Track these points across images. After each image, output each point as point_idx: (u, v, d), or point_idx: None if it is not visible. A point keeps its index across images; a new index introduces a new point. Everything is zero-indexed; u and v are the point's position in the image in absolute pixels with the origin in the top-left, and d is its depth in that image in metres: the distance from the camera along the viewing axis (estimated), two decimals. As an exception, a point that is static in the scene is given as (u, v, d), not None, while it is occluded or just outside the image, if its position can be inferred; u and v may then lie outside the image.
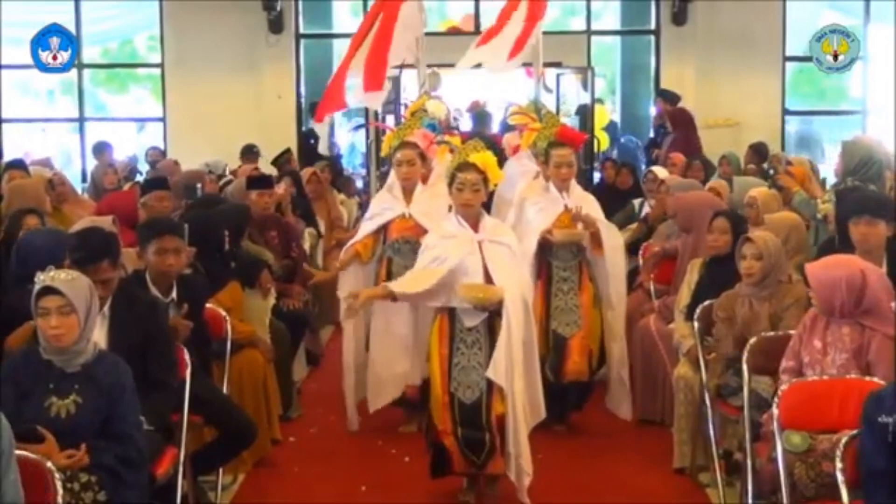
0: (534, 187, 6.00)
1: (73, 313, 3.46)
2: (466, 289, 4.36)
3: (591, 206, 5.72)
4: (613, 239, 5.73)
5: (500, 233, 4.58)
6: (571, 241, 5.58)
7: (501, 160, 7.37)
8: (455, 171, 4.48)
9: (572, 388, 5.58)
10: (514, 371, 4.34)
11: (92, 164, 10.82)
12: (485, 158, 4.48)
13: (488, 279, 4.42)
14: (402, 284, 4.63)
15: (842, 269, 3.96)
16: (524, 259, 5.31)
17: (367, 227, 5.76)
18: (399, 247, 5.57)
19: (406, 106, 6.42)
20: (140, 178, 9.17)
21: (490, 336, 4.43)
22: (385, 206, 5.69)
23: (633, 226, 7.39)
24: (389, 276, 5.39)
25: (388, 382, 5.55)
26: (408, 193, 5.63)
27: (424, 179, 5.72)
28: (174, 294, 4.59)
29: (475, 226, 4.51)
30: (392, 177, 5.79)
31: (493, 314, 4.41)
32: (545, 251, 5.60)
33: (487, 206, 6.66)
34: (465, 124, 10.51)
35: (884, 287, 3.98)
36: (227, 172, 9.36)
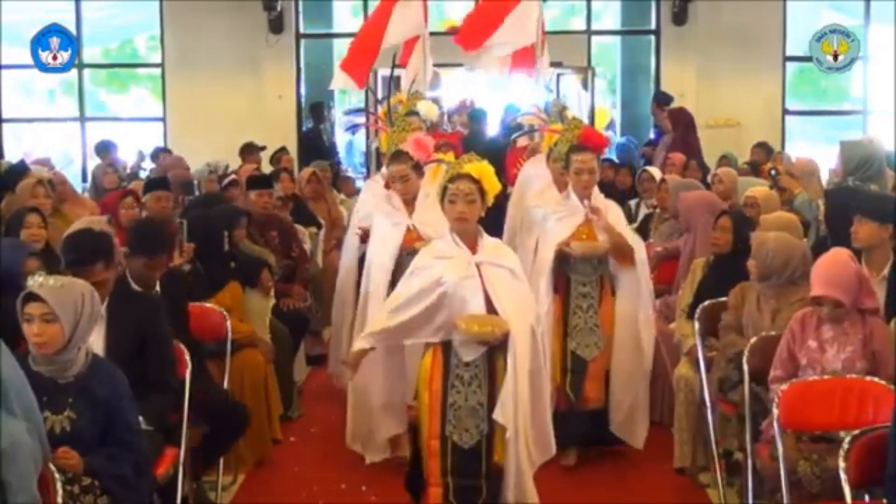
0: (546, 194, 5.70)
1: (57, 322, 3.38)
2: (467, 321, 3.81)
3: (614, 216, 5.30)
4: (639, 252, 5.30)
5: (500, 254, 4.03)
6: (591, 254, 5.18)
7: (502, 162, 7.30)
8: (447, 182, 3.94)
9: (588, 414, 5.25)
10: (518, 409, 3.85)
11: (93, 163, 10.81)
12: (480, 168, 3.94)
13: (488, 307, 3.89)
14: (378, 322, 4.06)
15: (843, 264, 3.99)
16: (541, 273, 5.11)
17: (383, 261, 5.19)
18: (403, 261, 5.03)
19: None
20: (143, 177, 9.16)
21: (490, 372, 3.91)
22: (388, 224, 5.26)
23: (633, 227, 7.37)
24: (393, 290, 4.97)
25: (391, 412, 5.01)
26: (408, 203, 5.27)
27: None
28: (157, 289, 4.60)
29: (473, 246, 3.96)
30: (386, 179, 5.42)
31: (493, 347, 3.90)
32: (563, 264, 5.20)
33: (500, 214, 6.65)
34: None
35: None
36: (238, 170, 9.32)
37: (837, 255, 4.06)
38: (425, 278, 3.93)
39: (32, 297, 3.40)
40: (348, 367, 4.18)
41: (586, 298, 5.20)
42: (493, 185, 3.96)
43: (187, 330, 4.65)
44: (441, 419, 3.91)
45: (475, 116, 10.49)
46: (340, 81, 7.10)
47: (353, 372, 4.20)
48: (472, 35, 7.05)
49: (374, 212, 5.48)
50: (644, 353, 5.29)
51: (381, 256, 5.23)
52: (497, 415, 3.82)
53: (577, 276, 5.20)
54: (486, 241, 4.03)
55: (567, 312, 5.21)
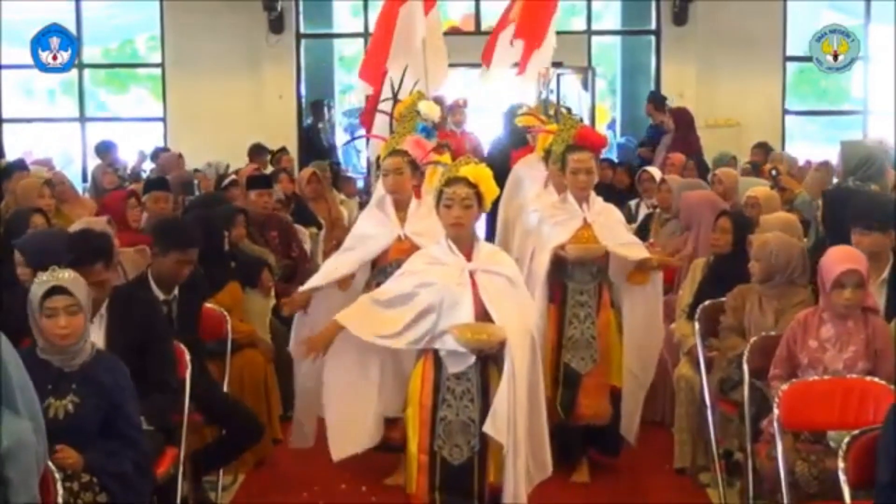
0: (543, 198, 5.51)
1: (81, 312, 3.46)
2: (461, 330, 3.63)
3: (614, 220, 5.11)
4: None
5: (496, 261, 3.85)
6: (589, 257, 4.92)
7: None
8: (443, 186, 3.79)
9: (593, 431, 5.03)
10: (517, 424, 3.65)
11: (93, 163, 10.81)
12: (477, 171, 3.80)
13: (479, 316, 3.71)
14: (358, 318, 3.84)
15: (855, 256, 4.00)
16: (536, 280, 4.87)
17: (351, 256, 4.95)
18: (392, 271, 4.62)
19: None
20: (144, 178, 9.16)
21: (483, 384, 3.73)
22: (374, 229, 4.95)
23: (633, 226, 7.36)
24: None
25: (353, 429, 4.19)
26: (400, 209, 4.92)
27: (419, 193, 5.01)
28: (176, 292, 4.60)
29: (468, 253, 3.80)
30: (381, 190, 5.11)
31: (486, 357, 3.73)
32: (560, 271, 4.95)
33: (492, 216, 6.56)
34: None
35: None
36: (230, 171, 9.32)
37: (847, 246, 4.15)
38: (414, 280, 3.80)
39: (56, 290, 3.43)
40: (312, 347, 3.88)
41: (583, 308, 4.96)
42: (490, 190, 3.82)
43: (196, 332, 4.66)
44: (430, 434, 3.74)
45: (511, 116, 10.29)
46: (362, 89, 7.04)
47: (316, 354, 3.89)
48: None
49: (363, 217, 5.21)
50: (649, 367, 5.17)
51: (354, 247, 4.95)
52: (488, 427, 3.62)
53: (575, 284, 4.97)
54: (483, 247, 3.89)
55: (563, 322, 4.97)
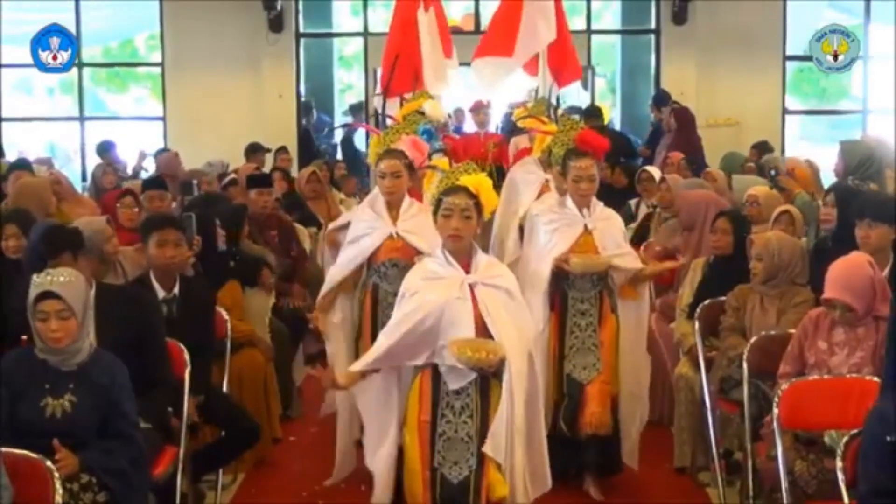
0: (545, 201, 5.31)
1: (72, 317, 3.44)
2: (459, 346, 3.51)
3: (614, 227, 4.99)
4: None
5: (496, 274, 3.74)
6: (592, 270, 4.83)
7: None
8: (441, 195, 3.68)
9: (593, 441, 4.84)
10: (515, 443, 3.61)
11: (92, 163, 10.80)
12: (478, 181, 3.69)
13: (479, 331, 3.61)
14: (368, 354, 3.76)
15: (858, 268, 3.92)
16: (537, 288, 4.78)
17: (349, 257, 4.90)
18: (385, 271, 4.78)
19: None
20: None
21: (483, 400, 3.64)
22: (367, 229, 4.84)
23: (633, 226, 7.36)
24: (375, 304, 4.76)
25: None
26: (393, 208, 4.81)
27: (412, 193, 4.92)
28: (176, 290, 4.59)
29: (466, 264, 3.70)
30: (375, 190, 5.01)
31: (486, 373, 3.63)
32: (560, 280, 4.83)
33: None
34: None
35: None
36: (230, 170, 9.32)
37: (855, 260, 3.98)
38: (415, 300, 3.65)
39: (46, 294, 3.42)
40: (331, 383, 3.85)
41: (585, 316, 4.84)
42: (490, 200, 3.73)
43: (204, 334, 4.59)
44: (430, 450, 3.64)
45: (591, 114, 10.20)
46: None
47: (338, 386, 3.83)
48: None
49: (355, 219, 5.06)
50: (643, 377, 5.04)
51: (349, 249, 4.89)
52: (487, 448, 3.56)
53: (575, 293, 4.84)
54: (481, 258, 3.76)
55: (563, 332, 4.85)
